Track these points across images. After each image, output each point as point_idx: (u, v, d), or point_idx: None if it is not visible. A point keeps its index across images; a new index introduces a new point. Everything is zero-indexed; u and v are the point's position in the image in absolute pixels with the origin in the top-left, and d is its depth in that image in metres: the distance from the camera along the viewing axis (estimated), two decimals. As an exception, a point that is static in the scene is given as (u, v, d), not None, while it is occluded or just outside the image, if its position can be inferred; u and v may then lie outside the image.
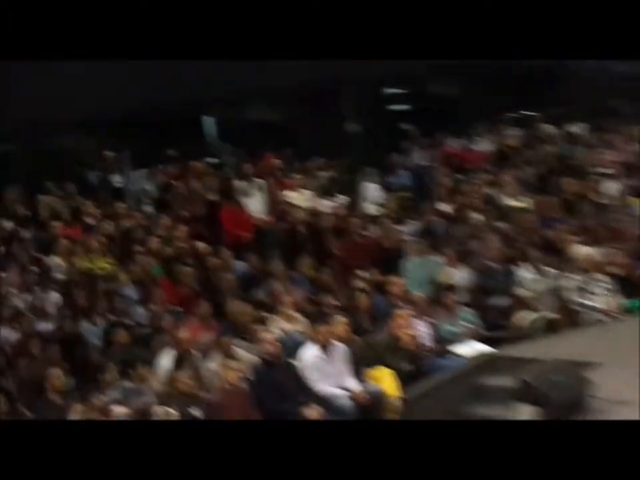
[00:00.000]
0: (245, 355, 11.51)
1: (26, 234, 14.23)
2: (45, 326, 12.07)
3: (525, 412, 8.63)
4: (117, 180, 16.74)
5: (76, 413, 10.12)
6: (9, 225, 14.48)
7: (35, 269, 13.17)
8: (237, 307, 12.52)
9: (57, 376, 10.73)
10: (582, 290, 13.17)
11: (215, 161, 17.73)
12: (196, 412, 10.40)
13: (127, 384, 10.77)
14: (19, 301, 12.41)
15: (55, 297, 12.61)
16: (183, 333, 11.81)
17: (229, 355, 11.39)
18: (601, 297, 13.13)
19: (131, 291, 12.93)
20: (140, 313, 12.62)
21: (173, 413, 10.03)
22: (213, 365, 11.26)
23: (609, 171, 17.76)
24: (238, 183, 16.17)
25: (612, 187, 16.97)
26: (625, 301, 13.20)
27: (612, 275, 13.42)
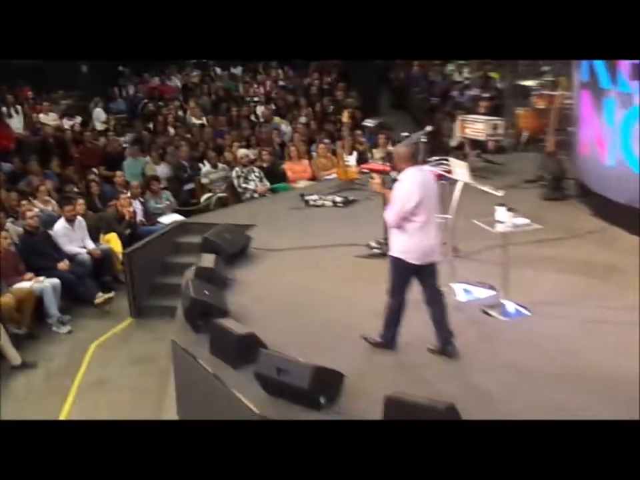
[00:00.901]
0: (13, 227, 11.07)
1: None
2: None
3: (207, 259, 8.65)
4: None
5: None
6: None
7: None
8: (6, 195, 12.01)
9: None
10: (242, 177, 13.28)
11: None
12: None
13: None
14: None
15: None
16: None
17: (1, 228, 10.92)
18: (254, 182, 13.29)
19: None
20: None
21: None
22: (-11, 235, 10.81)
23: (258, 99, 17.96)
24: (3, 108, 15.40)
25: (260, 110, 17.18)
26: (269, 184, 13.43)
27: (261, 167, 13.59)
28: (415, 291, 6.74)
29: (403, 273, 6.57)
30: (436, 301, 6.64)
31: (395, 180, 6.70)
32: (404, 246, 6.46)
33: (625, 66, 8.70)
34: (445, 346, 6.61)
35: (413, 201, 6.30)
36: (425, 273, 6.59)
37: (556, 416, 5.33)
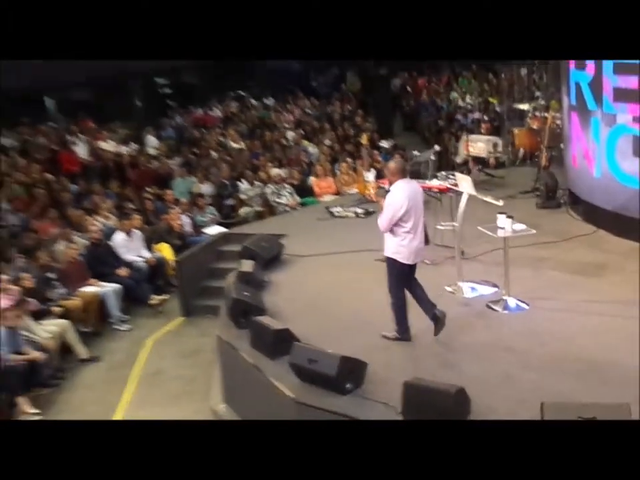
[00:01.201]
0: (80, 240, 11.15)
1: None
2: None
3: (246, 264, 8.67)
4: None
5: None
6: None
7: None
8: (73, 212, 12.07)
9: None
10: (275, 193, 13.29)
11: (55, 125, 16.82)
12: (52, 275, 10.08)
13: (22, 264, 10.26)
14: None
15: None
16: (42, 228, 11.39)
17: (70, 241, 11.03)
18: (286, 197, 13.30)
19: (5, 205, 12.21)
20: (13, 218, 11.97)
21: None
22: (60, 247, 10.86)
23: (288, 125, 17.96)
24: (69, 138, 15.48)
25: (290, 134, 17.19)
26: (299, 199, 13.43)
27: (291, 184, 13.61)
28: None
29: (397, 271, 6.71)
30: (415, 286, 6.85)
31: (387, 191, 6.79)
32: (395, 248, 6.62)
33: (608, 90, 8.65)
34: (433, 313, 6.77)
35: (402, 209, 6.44)
36: (412, 270, 6.82)
37: (550, 397, 5.29)
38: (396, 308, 6.81)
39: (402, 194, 6.50)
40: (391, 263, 6.71)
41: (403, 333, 6.82)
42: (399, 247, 6.60)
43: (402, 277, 6.75)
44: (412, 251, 6.61)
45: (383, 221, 6.59)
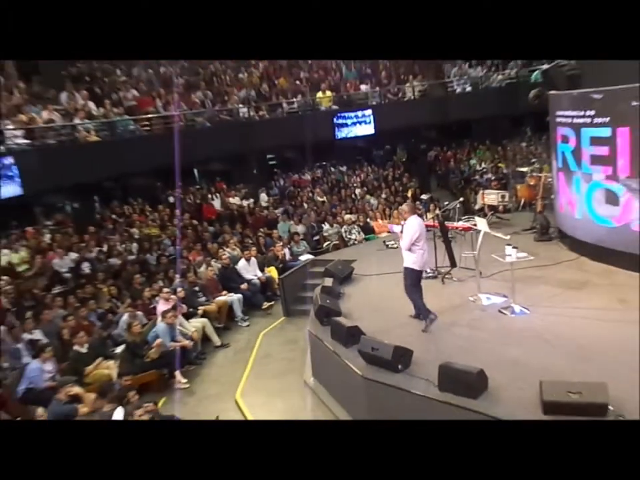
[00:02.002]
0: (215, 264, 11.38)
1: (120, 220, 13.72)
2: (131, 257, 11.73)
3: (328, 281, 8.68)
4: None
5: (150, 291, 9.90)
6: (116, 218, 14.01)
7: (126, 233, 12.73)
8: (211, 246, 12.34)
9: (138, 276, 10.44)
10: (347, 232, 13.29)
11: (199, 187, 17.30)
12: (197, 288, 10.29)
13: (178, 281, 10.53)
14: (119, 247, 11.99)
15: (135, 245, 12.23)
16: (191, 256, 11.66)
17: (209, 265, 11.27)
18: (355, 234, 13.29)
19: (167, 241, 12.60)
20: (171, 249, 12.33)
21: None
22: (202, 269, 11.11)
23: (356, 185, 17.98)
24: (209, 195, 15.87)
25: (358, 191, 17.19)
26: (364, 235, 13.37)
27: (359, 226, 13.58)
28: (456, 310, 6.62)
29: (414, 277, 6.92)
30: (420, 290, 7.07)
31: (403, 225, 7.07)
32: (413, 260, 6.83)
33: (586, 157, 8.42)
34: (417, 314, 7.15)
35: (417, 234, 6.74)
36: (421, 277, 7.06)
37: (546, 377, 5.11)
38: (418, 304, 6.98)
39: (415, 224, 6.81)
40: (409, 271, 6.89)
41: (429, 315, 6.94)
42: (415, 259, 6.81)
43: (417, 281, 6.95)
44: (424, 261, 6.89)
45: (404, 243, 6.85)
